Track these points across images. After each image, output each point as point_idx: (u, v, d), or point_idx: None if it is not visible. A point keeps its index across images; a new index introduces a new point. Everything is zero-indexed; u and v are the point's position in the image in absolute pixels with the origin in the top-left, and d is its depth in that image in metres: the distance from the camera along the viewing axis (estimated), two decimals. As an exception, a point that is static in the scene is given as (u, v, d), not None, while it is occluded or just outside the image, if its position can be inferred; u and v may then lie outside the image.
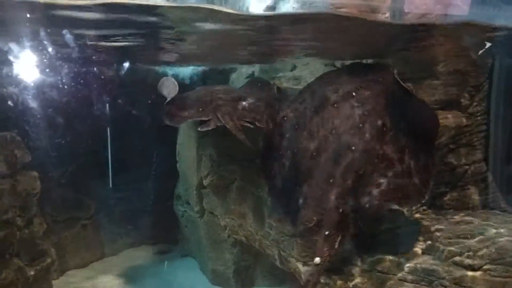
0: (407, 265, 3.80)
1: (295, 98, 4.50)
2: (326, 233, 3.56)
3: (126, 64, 6.70)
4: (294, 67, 5.95)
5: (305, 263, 4.23)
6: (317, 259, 3.48)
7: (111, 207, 7.68)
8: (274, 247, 4.72)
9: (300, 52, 5.36)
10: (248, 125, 4.75)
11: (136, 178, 7.82)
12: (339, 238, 3.58)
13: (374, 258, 3.92)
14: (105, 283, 6.50)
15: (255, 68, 6.57)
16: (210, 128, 4.89)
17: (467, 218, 4.36)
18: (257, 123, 4.71)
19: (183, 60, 6.57)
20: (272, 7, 4.49)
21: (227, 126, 4.73)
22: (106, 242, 7.55)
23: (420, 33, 3.99)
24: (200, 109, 4.97)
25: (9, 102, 6.27)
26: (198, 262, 6.65)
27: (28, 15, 3.26)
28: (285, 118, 4.39)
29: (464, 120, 4.62)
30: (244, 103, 4.96)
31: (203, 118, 4.96)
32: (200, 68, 7.93)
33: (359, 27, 4.03)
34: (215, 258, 5.89)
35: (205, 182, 5.83)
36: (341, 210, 3.63)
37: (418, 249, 3.95)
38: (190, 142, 6.29)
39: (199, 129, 5.03)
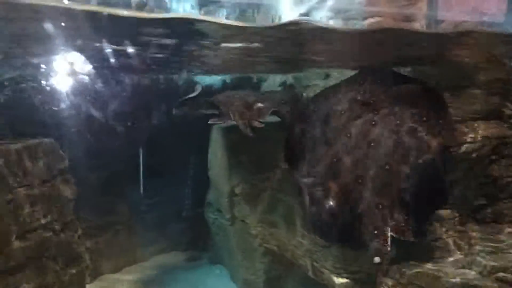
0: (447, 279, 3.66)
1: (321, 105, 4.50)
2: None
3: (163, 74, 6.82)
4: (327, 76, 5.90)
5: (338, 275, 4.15)
6: (377, 258, 3.56)
7: (143, 213, 7.80)
8: (306, 258, 4.66)
9: (328, 64, 5.34)
10: (259, 125, 5.31)
11: (168, 185, 7.93)
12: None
13: (413, 272, 3.80)
14: (136, 287, 6.58)
15: (288, 77, 6.57)
16: (219, 123, 5.71)
17: (509, 231, 4.18)
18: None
19: (215, 69, 6.65)
20: (305, 15, 4.47)
21: (237, 123, 5.38)
22: (138, 248, 7.65)
23: (457, 40, 3.88)
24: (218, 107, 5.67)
25: (48, 109, 6.50)
26: (229, 271, 6.64)
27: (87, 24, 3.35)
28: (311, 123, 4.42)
29: (506, 130, 4.44)
30: (258, 105, 5.51)
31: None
32: (233, 77, 8.02)
33: (396, 38, 3.98)
34: (246, 267, 5.87)
35: (236, 190, 5.84)
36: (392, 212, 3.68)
37: (459, 263, 3.81)
38: (221, 150, 6.31)
39: (208, 122, 5.69)
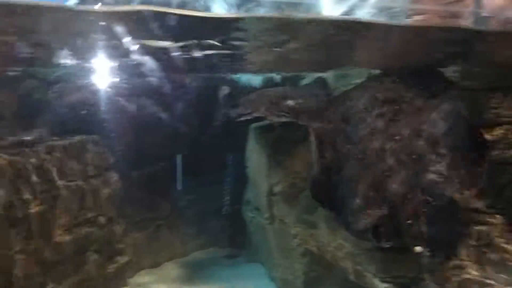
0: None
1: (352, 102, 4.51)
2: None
3: (204, 73, 6.88)
4: (370, 74, 5.76)
5: (382, 279, 4.05)
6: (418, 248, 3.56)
7: (183, 209, 7.92)
8: (348, 260, 4.57)
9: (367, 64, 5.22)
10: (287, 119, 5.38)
11: (207, 182, 8.02)
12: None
13: (460, 278, 3.66)
14: (176, 283, 6.68)
15: (328, 74, 6.47)
16: (247, 118, 5.80)
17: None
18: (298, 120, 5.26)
19: (255, 68, 6.65)
20: (347, 13, 4.37)
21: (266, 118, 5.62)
22: (178, 243, 7.78)
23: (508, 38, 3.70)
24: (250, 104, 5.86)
25: (94, 106, 6.70)
26: (267, 269, 6.63)
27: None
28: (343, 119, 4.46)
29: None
30: (287, 101, 5.52)
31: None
32: (271, 75, 8.00)
33: (443, 35, 3.83)
34: (284, 267, 5.84)
35: (275, 189, 5.81)
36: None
37: (508, 270, 3.63)
38: (261, 148, 6.30)
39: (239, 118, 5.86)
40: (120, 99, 6.85)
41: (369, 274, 4.23)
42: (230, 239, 7.91)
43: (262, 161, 6.19)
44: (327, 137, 4.50)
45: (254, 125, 6.75)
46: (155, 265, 7.40)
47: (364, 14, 4.33)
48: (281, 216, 5.82)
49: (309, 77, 7.16)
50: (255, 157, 6.54)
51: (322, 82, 6.67)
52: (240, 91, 8.00)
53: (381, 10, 4.36)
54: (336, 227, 4.87)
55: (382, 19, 4.24)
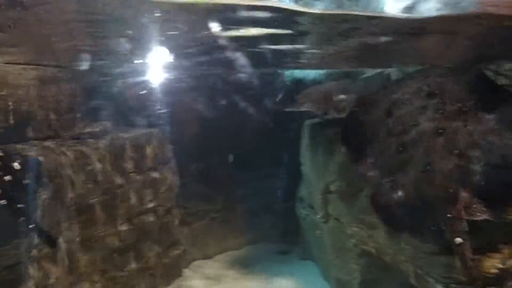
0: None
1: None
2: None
3: (263, 68, 6.91)
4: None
5: (445, 285, 3.89)
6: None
7: (237, 203, 8.01)
8: (409, 263, 4.42)
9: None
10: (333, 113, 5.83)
11: (261, 177, 8.06)
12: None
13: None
14: (229, 275, 6.78)
15: (391, 70, 6.31)
16: (295, 110, 6.25)
17: None
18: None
19: (315, 64, 6.59)
20: (410, 8, 4.21)
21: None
22: (230, 236, 7.89)
23: None
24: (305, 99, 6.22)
25: (155, 101, 6.91)
26: (320, 268, 6.57)
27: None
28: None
29: None
30: (338, 97, 5.93)
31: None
32: (331, 71, 7.93)
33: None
34: (340, 267, 5.76)
35: (331, 187, 5.73)
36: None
37: None
38: (316, 145, 6.23)
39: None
40: (181, 93, 7.04)
41: (431, 279, 4.08)
42: (282, 235, 7.91)
43: (318, 158, 6.12)
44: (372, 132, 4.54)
45: (309, 121, 6.69)
46: (208, 256, 7.55)
47: (429, 8, 4.17)
48: (336, 215, 5.73)
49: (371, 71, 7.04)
50: (310, 154, 6.48)
51: (383, 76, 6.54)
52: (295, 86, 8.00)
53: (447, 3, 4.18)
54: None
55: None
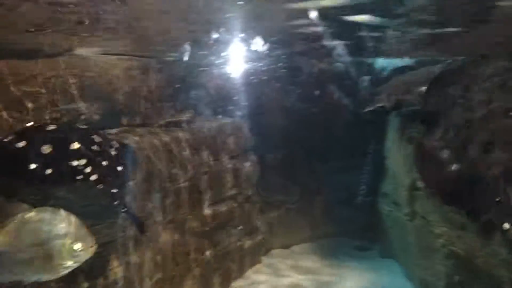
0: None
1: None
2: None
3: (346, 57, 6.75)
4: None
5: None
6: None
7: (313, 195, 7.93)
8: (503, 269, 4.09)
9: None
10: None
11: (339, 170, 7.89)
12: None
13: None
14: (306, 266, 6.75)
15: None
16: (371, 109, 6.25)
17: None
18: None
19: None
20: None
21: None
22: (306, 228, 7.85)
23: None
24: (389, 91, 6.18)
25: (237, 92, 7.05)
26: (403, 267, 6.31)
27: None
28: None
29: None
30: (419, 89, 5.66)
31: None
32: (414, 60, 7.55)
33: None
34: (425, 267, 5.48)
35: (419, 184, 5.44)
36: None
37: None
38: (404, 140, 5.94)
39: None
40: (263, 83, 7.11)
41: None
42: (362, 231, 7.70)
43: (405, 153, 5.83)
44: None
45: (396, 113, 6.40)
46: (285, 246, 7.58)
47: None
48: (423, 213, 5.44)
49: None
50: (396, 147, 6.20)
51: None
52: (377, 77, 7.71)
53: None
54: (489, 230, 4.40)
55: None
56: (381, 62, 7.91)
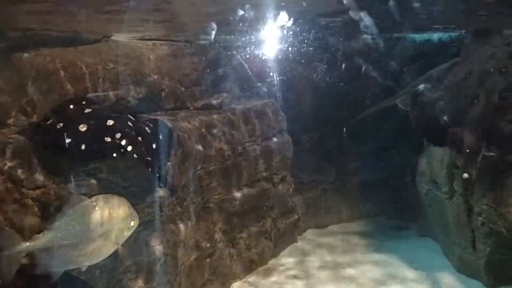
0: None
1: None
2: None
3: (380, 34, 6.59)
4: None
5: None
6: None
7: (349, 175, 7.88)
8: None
9: None
10: None
11: (376, 150, 7.79)
12: None
13: None
14: (343, 246, 6.77)
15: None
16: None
17: None
18: None
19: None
20: None
21: None
22: (343, 208, 7.83)
23: None
24: None
25: (270, 73, 7.06)
26: (441, 246, 6.22)
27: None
28: None
29: None
30: None
31: None
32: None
33: None
34: (464, 246, 5.39)
35: (458, 162, 5.32)
36: None
37: None
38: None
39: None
40: (296, 64, 7.07)
41: None
42: (399, 211, 7.61)
43: (443, 130, 5.70)
44: None
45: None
46: (321, 226, 7.61)
47: None
48: (463, 191, 5.33)
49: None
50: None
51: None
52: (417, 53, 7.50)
53: None
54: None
55: None
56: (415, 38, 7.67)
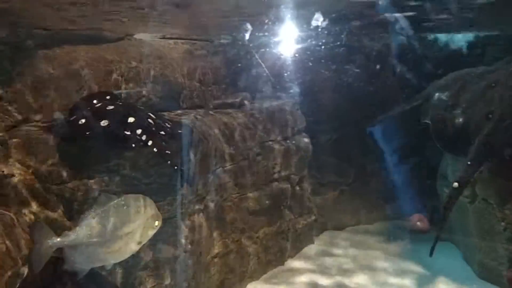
0: None
1: None
2: None
3: (408, 34, 6.51)
4: None
5: None
6: None
7: (367, 177, 7.80)
8: None
9: None
10: None
11: (395, 152, 7.69)
12: None
13: None
14: (359, 248, 6.71)
15: None
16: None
17: None
18: None
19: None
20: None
21: None
22: (361, 210, 7.76)
23: None
24: None
25: (291, 73, 7.04)
26: (461, 250, 6.12)
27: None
28: None
29: None
30: None
31: None
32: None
33: None
34: (485, 251, 5.30)
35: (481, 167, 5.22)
36: None
37: None
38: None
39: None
40: (316, 63, 7.04)
41: None
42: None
43: (465, 133, 5.60)
44: None
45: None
46: (339, 227, 7.55)
47: None
48: (485, 195, 5.24)
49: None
50: (456, 128, 5.95)
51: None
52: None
53: None
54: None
55: None
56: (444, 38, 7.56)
